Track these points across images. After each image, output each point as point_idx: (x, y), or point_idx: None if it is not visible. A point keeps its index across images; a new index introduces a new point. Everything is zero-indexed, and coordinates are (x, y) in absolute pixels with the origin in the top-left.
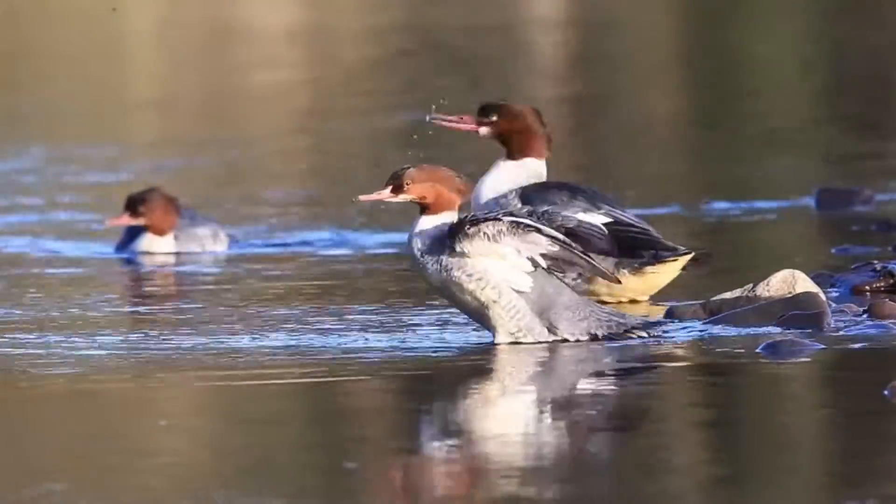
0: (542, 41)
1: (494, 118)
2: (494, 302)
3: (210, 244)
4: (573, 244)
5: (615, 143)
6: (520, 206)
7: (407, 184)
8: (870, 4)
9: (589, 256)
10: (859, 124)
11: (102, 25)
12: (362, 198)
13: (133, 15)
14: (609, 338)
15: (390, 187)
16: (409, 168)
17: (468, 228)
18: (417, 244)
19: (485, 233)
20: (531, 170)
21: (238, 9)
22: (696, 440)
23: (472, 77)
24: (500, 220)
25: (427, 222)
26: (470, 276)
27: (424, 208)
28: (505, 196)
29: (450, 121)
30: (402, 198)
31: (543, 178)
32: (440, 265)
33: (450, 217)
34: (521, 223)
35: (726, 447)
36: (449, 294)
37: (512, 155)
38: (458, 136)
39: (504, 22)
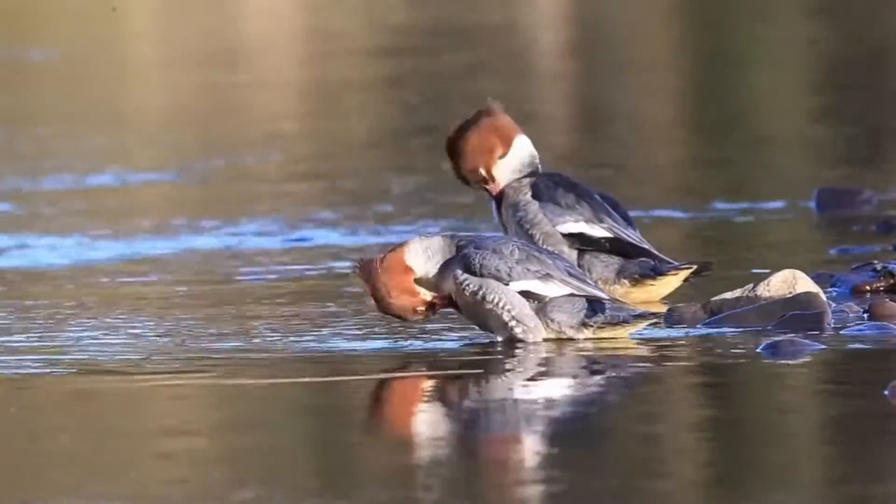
0: (542, 41)
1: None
2: (484, 299)
3: None
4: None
5: (615, 143)
6: (529, 195)
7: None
8: (870, 4)
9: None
10: (860, 124)
11: (102, 25)
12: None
13: (133, 15)
14: (606, 325)
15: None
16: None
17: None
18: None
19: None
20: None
21: (239, 9)
22: (696, 440)
23: (474, 78)
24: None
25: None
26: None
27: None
28: (519, 180)
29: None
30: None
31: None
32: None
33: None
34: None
35: (726, 447)
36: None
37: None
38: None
39: (506, 22)
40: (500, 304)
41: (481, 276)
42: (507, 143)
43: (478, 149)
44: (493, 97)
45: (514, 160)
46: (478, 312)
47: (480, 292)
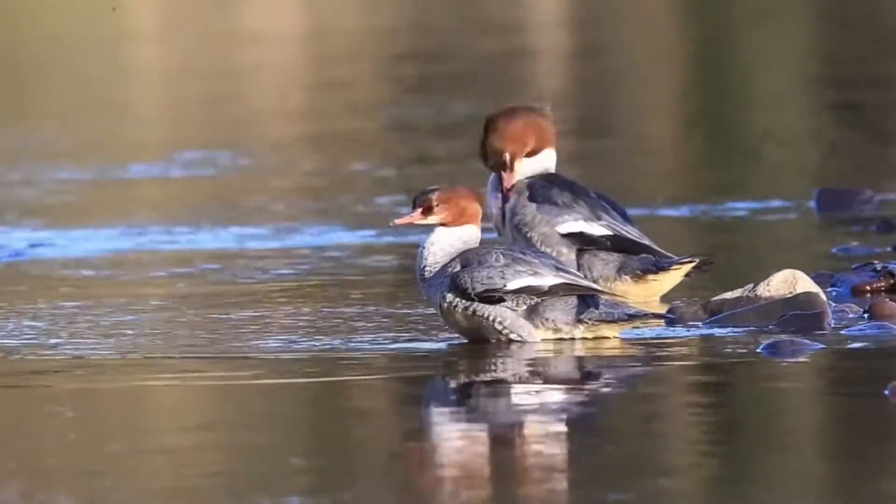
0: (543, 42)
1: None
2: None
3: None
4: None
5: (616, 142)
6: (527, 196)
7: (436, 205)
8: (869, 6)
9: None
10: (860, 124)
11: (102, 25)
12: (398, 221)
13: (133, 15)
14: (601, 322)
15: (420, 209)
16: (434, 189)
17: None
18: (427, 257)
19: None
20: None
21: (240, 8)
22: (696, 440)
23: (477, 78)
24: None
25: (444, 233)
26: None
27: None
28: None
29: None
30: (431, 219)
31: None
32: (441, 287)
33: (470, 231)
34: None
35: (726, 447)
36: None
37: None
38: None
39: (507, 23)
40: (491, 319)
41: (474, 289)
42: (541, 146)
43: (514, 135)
44: (550, 104)
45: (536, 164)
46: (471, 326)
47: (471, 308)
